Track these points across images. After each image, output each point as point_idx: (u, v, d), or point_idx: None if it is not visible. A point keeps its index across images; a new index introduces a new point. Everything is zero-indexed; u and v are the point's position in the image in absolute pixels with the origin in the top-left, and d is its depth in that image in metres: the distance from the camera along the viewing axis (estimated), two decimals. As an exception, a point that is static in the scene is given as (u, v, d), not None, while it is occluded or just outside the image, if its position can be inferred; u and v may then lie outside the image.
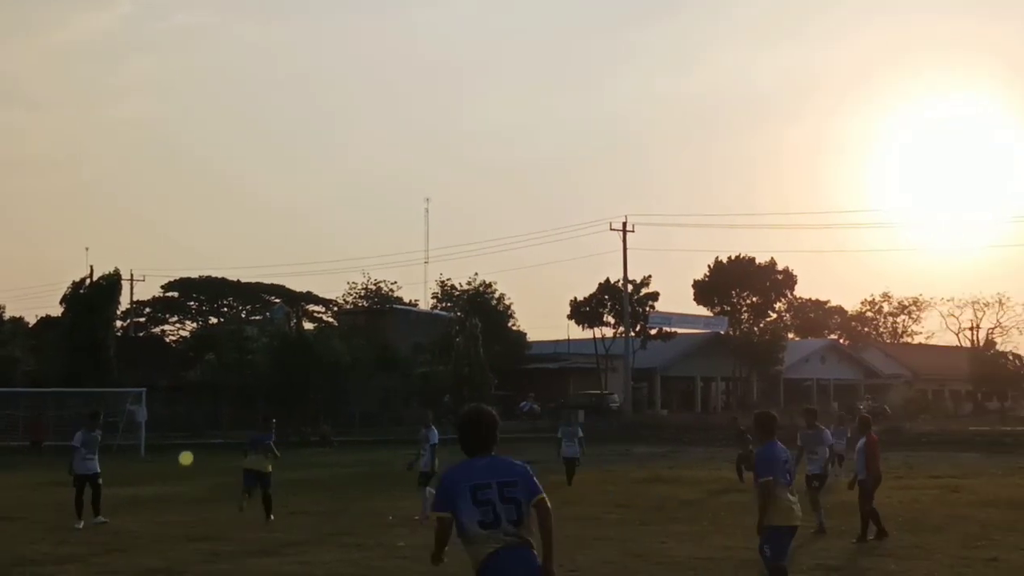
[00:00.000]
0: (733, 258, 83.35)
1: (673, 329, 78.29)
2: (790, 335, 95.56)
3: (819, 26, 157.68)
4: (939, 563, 14.33)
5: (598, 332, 75.39)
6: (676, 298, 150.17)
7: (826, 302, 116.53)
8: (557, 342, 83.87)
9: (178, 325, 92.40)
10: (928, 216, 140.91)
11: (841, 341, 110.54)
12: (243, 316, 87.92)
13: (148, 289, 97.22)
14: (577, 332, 78.55)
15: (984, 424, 61.29)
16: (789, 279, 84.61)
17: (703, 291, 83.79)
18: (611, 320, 75.07)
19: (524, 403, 70.28)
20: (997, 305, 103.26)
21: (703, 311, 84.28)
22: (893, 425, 51.53)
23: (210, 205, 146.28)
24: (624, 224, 69.27)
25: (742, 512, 14.41)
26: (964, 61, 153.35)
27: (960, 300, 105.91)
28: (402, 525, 18.75)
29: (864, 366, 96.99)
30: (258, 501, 19.45)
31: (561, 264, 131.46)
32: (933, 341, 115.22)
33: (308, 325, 79.91)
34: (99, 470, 19.39)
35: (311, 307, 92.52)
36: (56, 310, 61.62)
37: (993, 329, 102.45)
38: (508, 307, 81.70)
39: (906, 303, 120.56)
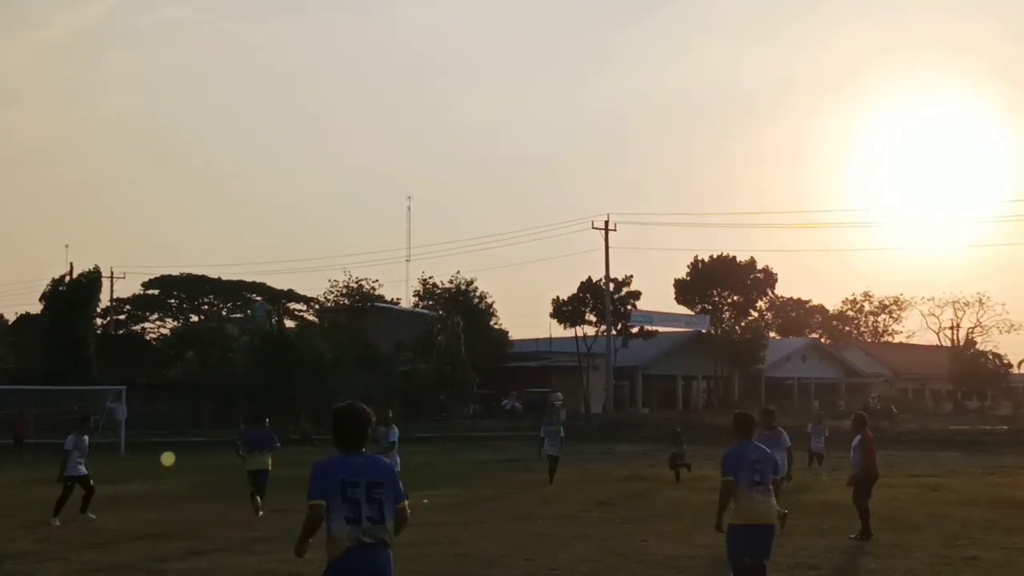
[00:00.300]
0: (714, 257, 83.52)
1: (654, 328, 78.41)
2: (771, 334, 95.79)
3: (800, 25, 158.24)
4: (919, 561, 14.38)
5: (580, 331, 75.46)
6: (658, 297, 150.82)
7: (807, 301, 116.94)
8: (539, 340, 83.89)
9: (159, 323, 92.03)
10: (909, 215, 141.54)
11: (822, 340, 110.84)
12: (224, 314, 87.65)
13: (128, 286, 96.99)
14: (559, 331, 78.61)
15: (964, 423, 61.58)
16: (769, 278, 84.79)
17: (684, 290, 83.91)
18: (593, 319, 75.10)
19: (506, 401, 70.35)
20: (977, 305, 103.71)
21: (684, 310, 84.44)
22: (873, 425, 51.63)
23: (191, 202, 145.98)
24: (606, 223, 69.30)
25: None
26: (946, 60, 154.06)
27: (940, 299, 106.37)
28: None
29: (845, 365, 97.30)
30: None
31: (543, 263, 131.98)
32: (914, 340, 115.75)
33: (289, 323, 79.77)
34: (88, 472, 19.40)
35: (292, 305, 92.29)
36: (36, 307, 61.42)
37: (973, 328, 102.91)
38: (490, 306, 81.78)
39: (887, 302, 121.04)
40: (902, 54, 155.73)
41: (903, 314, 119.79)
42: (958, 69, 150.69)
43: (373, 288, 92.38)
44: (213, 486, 23.05)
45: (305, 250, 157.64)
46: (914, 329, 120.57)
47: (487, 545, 16.00)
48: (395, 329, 70.65)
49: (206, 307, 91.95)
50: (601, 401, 71.27)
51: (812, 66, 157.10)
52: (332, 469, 7.02)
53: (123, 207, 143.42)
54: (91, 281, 58.38)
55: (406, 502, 7.09)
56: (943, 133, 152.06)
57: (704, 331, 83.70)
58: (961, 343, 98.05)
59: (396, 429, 20.48)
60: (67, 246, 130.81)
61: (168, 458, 22.99)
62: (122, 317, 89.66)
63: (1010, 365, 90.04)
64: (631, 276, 75.36)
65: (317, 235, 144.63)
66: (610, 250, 70.09)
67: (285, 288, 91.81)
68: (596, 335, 74.89)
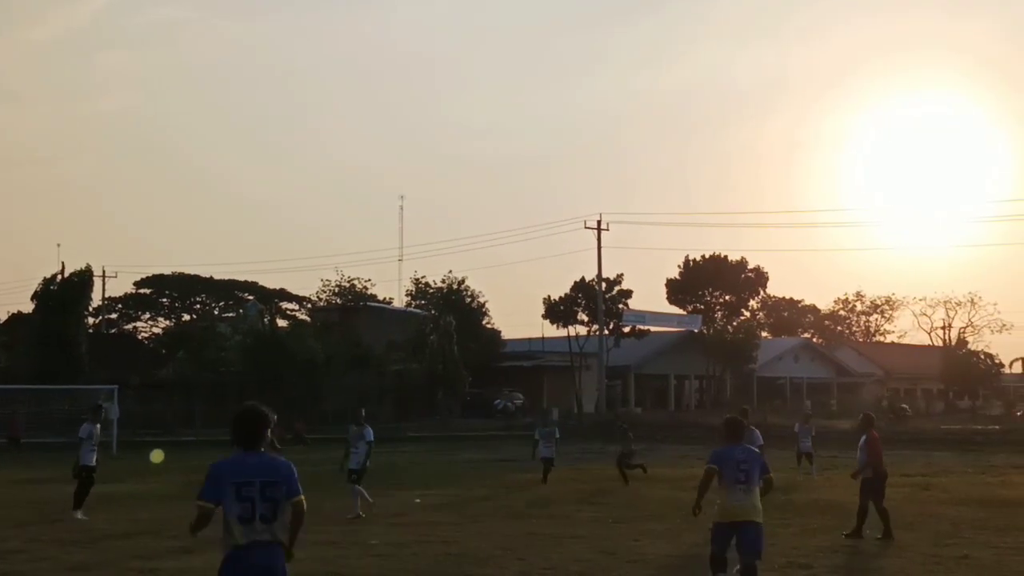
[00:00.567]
0: (706, 257, 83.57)
1: (647, 327, 78.44)
2: (763, 334, 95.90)
3: (794, 25, 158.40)
4: (910, 560, 14.41)
5: (572, 330, 75.45)
6: (650, 296, 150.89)
7: (799, 301, 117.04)
8: (531, 340, 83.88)
9: (151, 322, 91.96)
10: (901, 215, 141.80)
11: (814, 340, 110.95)
12: (216, 313, 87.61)
13: (120, 286, 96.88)
14: (551, 330, 78.65)
15: (955, 423, 61.69)
16: (761, 277, 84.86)
17: (676, 290, 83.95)
18: (585, 318, 75.12)
19: (498, 401, 70.35)
20: (969, 304, 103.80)
21: (677, 310, 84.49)
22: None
23: (184, 201, 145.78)
24: (599, 222, 69.30)
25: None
26: (940, 60, 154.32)
27: (932, 299, 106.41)
28: (376, 523, 18.72)
29: (837, 365, 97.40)
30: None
31: (536, 262, 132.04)
32: (905, 340, 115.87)
33: (281, 323, 79.72)
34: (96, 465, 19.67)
35: (284, 304, 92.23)
36: (27, 306, 61.29)
37: (965, 328, 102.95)
38: (482, 305, 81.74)
39: (879, 302, 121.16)
40: (895, 54, 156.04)
41: (895, 314, 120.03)
42: (951, 69, 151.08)
43: (365, 287, 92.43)
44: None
45: (297, 249, 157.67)
46: (906, 329, 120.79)
47: (480, 544, 16.01)
48: (387, 328, 70.59)
49: (198, 306, 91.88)
50: (593, 401, 71.29)
51: (805, 66, 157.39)
52: (226, 469, 7.27)
53: (115, 206, 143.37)
54: (83, 280, 58.28)
55: (302, 497, 7.28)
56: (936, 133, 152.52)
57: (696, 331, 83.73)
58: (953, 343, 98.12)
59: (371, 429, 20.41)
60: (59, 245, 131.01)
61: (157, 455, 23.00)
62: (114, 316, 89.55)
63: (1001, 365, 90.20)
64: (622, 275, 75.43)
65: (309, 234, 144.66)
66: (602, 250, 70.16)
67: (277, 287, 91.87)
68: (588, 334, 74.90)
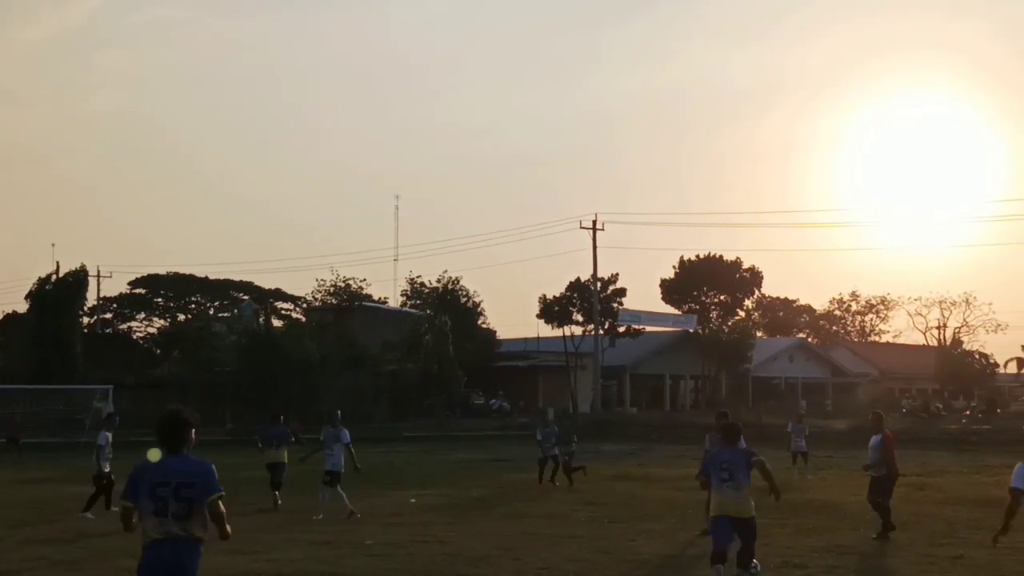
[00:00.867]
0: (700, 257, 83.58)
1: (642, 327, 78.46)
2: (759, 334, 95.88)
3: (789, 25, 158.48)
4: (906, 560, 14.43)
5: (567, 330, 75.47)
6: (646, 296, 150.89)
7: (794, 301, 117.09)
8: (527, 340, 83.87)
9: (145, 322, 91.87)
10: (896, 215, 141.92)
11: (809, 340, 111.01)
12: (211, 313, 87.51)
13: (115, 285, 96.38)
14: (546, 330, 78.65)
15: (950, 423, 61.73)
16: (756, 277, 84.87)
17: (671, 290, 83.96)
18: (580, 318, 75.14)
19: (494, 400, 70.37)
20: (964, 304, 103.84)
21: (672, 310, 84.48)
22: (860, 424, 51.77)
23: (179, 201, 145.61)
24: (594, 222, 69.32)
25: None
26: (935, 60, 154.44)
27: (927, 299, 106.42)
28: (371, 523, 18.72)
29: (832, 364, 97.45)
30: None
31: (531, 262, 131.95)
32: (900, 340, 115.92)
33: (277, 322, 79.65)
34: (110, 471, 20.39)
35: (280, 304, 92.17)
36: (22, 306, 61.24)
37: (960, 328, 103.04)
38: (478, 305, 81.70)
39: (874, 302, 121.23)
40: (891, 54, 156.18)
41: (890, 314, 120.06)
42: (947, 69, 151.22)
43: (361, 287, 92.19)
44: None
45: (292, 249, 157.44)
46: (901, 329, 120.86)
47: (475, 544, 16.01)
48: (382, 328, 70.55)
49: (193, 306, 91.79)
50: (589, 400, 71.31)
51: (800, 66, 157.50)
52: (145, 471, 7.73)
53: (110, 206, 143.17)
54: (78, 280, 58.26)
55: (219, 497, 7.71)
56: (931, 133, 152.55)
57: (691, 331, 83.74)
58: (948, 343, 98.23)
59: (347, 431, 20.42)
60: (54, 245, 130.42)
61: (154, 454, 23.04)
62: (109, 316, 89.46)
63: (996, 365, 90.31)
64: (617, 274, 75.47)
65: (304, 234, 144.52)
66: (598, 250, 70.21)
67: (272, 287, 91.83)
68: (583, 334, 74.93)
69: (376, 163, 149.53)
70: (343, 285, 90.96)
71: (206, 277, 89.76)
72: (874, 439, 17.60)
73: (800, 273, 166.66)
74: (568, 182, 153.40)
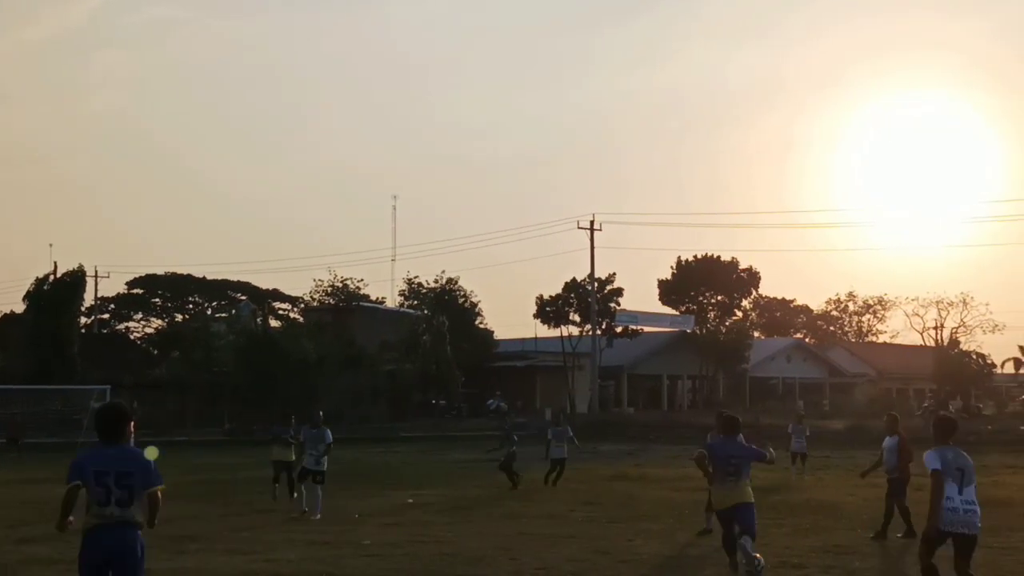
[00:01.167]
0: (698, 257, 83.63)
1: (640, 327, 78.48)
2: (756, 334, 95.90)
3: (787, 26, 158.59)
4: (902, 560, 14.46)
5: (564, 330, 75.50)
6: (643, 297, 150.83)
7: (792, 301, 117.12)
8: (524, 340, 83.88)
9: (143, 322, 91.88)
10: (893, 215, 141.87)
11: (807, 340, 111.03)
12: (209, 313, 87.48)
13: (113, 286, 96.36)
14: (544, 330, 78.63)
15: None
16: (753, 278, 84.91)
17: (668, 290, 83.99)
18: (577, 318, 75.18)
19: (491, 401, 70.37)
20: (961, 305, 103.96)
21: (669, 310, 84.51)
22: (857, 424, 51.87)
23: (177, 201, 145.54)
24: (592, 223, 69.35)
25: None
26: (931, 61, 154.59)
27: (924, 300, 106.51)
28: (369, 523, 18.72)
29: (829, 365, 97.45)
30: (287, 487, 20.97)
31: (529, 262, 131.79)
32: (898, 340, 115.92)
33: (274, 323, 79.60)
34: None
35: (277, 304, 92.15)
36: (20, 306, 61.20)
37: (957, 329, 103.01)
38: (475, 305, 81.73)
39: (871, 302, 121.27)
40: (888, 54, 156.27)
41: (887, 314, 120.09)
42: (944, 69, 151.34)
43: (358, 287, 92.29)
44: (197, 485, 23.03)
45: (290, 249, 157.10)
46: (898, 329, 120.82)
47: (472, 544, 16.02)
48: (380, 329, 70.57)
49: (191, 306, 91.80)
50: (586, 401, 71.31)
51: (798, 66, 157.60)
52: (86, 460, 8.25)
53: (108, 206, 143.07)
54: (75, 280, 58.21)
55: (158, 489, 8.24)
56: (928, 133, 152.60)
57: (689, 331, 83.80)
58: (945, 343, 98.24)
59: (329, 431, 20.44)
60: (51, 245, 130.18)
61: (151, 452, 23.12)
62: (106, 316, 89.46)
63: (994, 365, 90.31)
64: (614, 274, 75.45)
65: (302, 234, 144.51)
66: (595, 250, 70.20)
67: (270, 287, 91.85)
68: (581, 335, 74.94)
69: (374, 163, 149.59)
70: (341, 285, 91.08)
71: (204, 277, 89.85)
72: (889, 440, 17.67)
73: (797, 273, 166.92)
74: (566, 182, 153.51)
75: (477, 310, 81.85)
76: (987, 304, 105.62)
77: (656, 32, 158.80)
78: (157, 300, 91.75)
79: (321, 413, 21.42)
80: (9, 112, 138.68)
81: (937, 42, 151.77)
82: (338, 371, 60.02)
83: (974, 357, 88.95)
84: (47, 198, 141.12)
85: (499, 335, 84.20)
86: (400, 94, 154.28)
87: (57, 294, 56.56)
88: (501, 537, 16.83)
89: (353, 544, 16.08)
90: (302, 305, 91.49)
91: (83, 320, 71.05)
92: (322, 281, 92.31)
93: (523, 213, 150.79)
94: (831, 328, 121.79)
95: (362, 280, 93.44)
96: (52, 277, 57.82)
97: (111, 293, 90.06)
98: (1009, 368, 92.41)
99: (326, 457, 20.18)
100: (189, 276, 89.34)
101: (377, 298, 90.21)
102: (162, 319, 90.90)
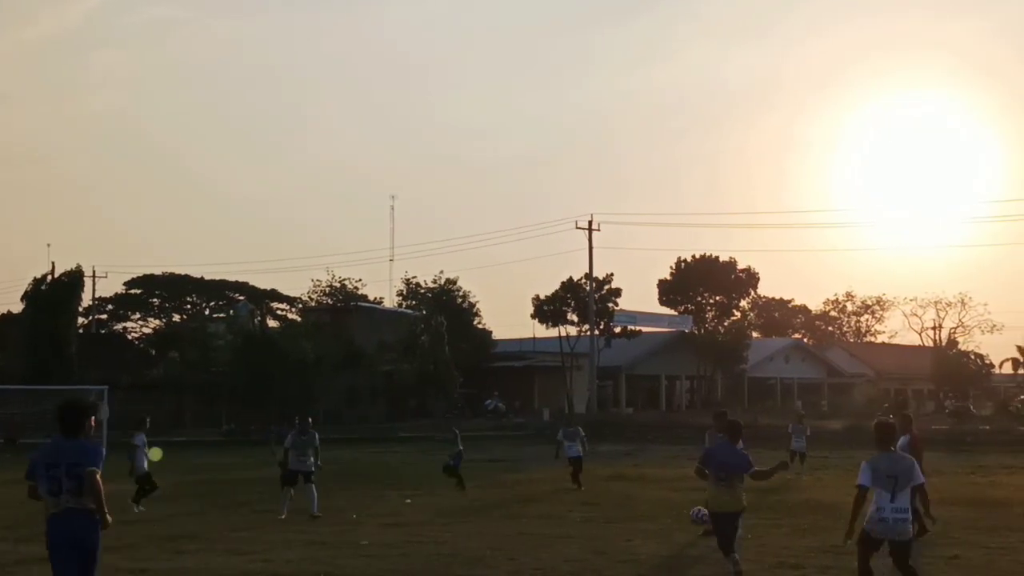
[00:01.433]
0: (697, 257, 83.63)
1: (638, 328, 78.48)
2: (754, 334, 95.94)
3: (786, 26, 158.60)
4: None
5: (563, 330, 75.50)
6: (642, 297, 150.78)
7: (790, 301, 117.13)
8: (522, 340, 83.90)
9: (141, 322, 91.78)
10: (892, 216, 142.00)
11: (805, 340, 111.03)
12: (207, 313, 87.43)
13: (111, 286, 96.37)
14: (543, 331, 78.67)
15: (945, 423, 61.78)
16: (752, 278, 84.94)
17: (667, 290, 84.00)
18: (575, 319, 75.20)
19: (489, 401, 70.38)
20: (959, 305, 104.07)
21: (668, 310, 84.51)
22: (855, 424, 51.85)
23: (175, 201, 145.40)
24: (590, 223, 69.36)
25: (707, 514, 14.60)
26: (930, 61, 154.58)
27: (923, 300, 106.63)
28: (366, 523, 18.72)
29: (828, 365, 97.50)
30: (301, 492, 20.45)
31: (527, 262, 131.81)
32: (896, 340, 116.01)
33: (272, 323, 79.56)
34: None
35: (275, 305, 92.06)
36: (17, 306, 61.15)
37: (955, 329, 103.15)
38: (473, 305, 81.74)
39: (869, 302, 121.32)
40: (887, 55, 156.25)
41: (885, 314, 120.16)
42: (943, 70, 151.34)
43: (356, 288, 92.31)
44: (196, 486, 23.04)
45: (288, 249, 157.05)
46: (896, 329, 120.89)
47: (470, 545, 16.01)
48: (378, 329, 70.57)
49: (189, 307, 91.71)
50: (584, 401, 71.32)
51: (797, 67, 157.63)
52: (37, 457, 8.98)
53: (106, 206, 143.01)
54: (73, 280, 58.13)
55: (93, 470, 8.80)
56: (927, 133, 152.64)
57: (687, 331, 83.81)
58: (943, 343, 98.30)
59: (316, 434, 20.49)
60: (49, 245, 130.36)
61: (156, 453, 23.10)
62: (104, 317, 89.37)
63: (992, 365, 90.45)
64: (612, 274, 75.42)
65: (300, 234, 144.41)
66: (594, 250, 70.20)
67: (268, 288, 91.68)
68: (579, 335, 74.94)
69: (372, 163, 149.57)
70: (339, 285, 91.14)
71: (202, 277, 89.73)
72: (902, 440, 17.65)
73: (796, 273, 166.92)
74: (565, 182, 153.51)
75: (475, 310, 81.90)
76: (985, 304, 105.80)
77: (655, 32, 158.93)
78: (155, 300, 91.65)
79: (311, 420, 21.36)
80: (7, 112, 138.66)
81: (937, 42, 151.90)
82: (336, 371, 60.02)
83: (972, 357, 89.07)
84: (45, 198, 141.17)
85: (497, 335, 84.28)
86: (399, 94, 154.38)
87: (55, 294, 56.49)
88: (499, 537, 16.82)
89: (351, 544, 16.07)
90: (300, 305, 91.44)
91: (81, 320, 70.97)
92: (320, 281, 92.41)
93: (521, 213, 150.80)
94: (829, 328, 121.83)
95: (360, 280, 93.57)
96: (50, 277, 57.74)
97: (109, 293, 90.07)
98: (1007, 368, 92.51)
99: (312, 456, 20.21)
100: (187, 276, 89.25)
101: (375, 298, 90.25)
102: (160, 319, 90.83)
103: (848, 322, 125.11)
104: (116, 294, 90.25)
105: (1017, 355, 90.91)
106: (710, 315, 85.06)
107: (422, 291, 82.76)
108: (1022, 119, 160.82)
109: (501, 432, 55.86)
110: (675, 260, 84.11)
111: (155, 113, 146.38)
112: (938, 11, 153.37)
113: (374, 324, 72.32)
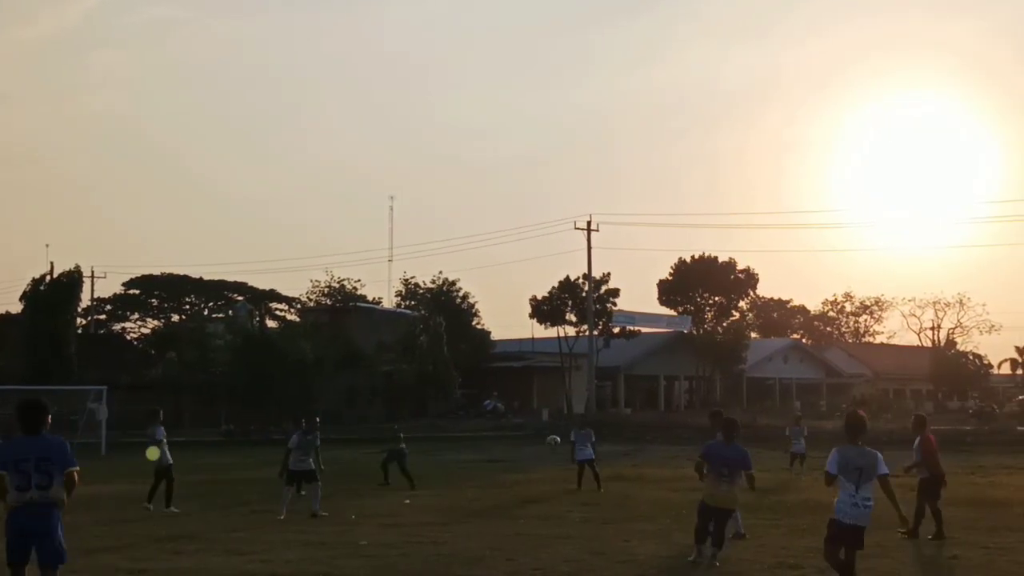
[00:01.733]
0: (696, 258, 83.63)
1: (637, 328, 78.47)
2: (753, 334, 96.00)
3: (784, 26, 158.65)
4: (900, 561, 14.44)
5: (561, 331, 75.50)
6: (641, 297, 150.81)
7: (788, 301, 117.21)
8: (521, 341, 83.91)
9: (140, 323, 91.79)
10: (890, 216, 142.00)
11: (804, 340, 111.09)
12: (206, 314, 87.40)
13: (109, 286, 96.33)
14: (541, 331, 78.67)
15: (944, 423, 61.79)
16: (751, 278, 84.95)
17: (667, 291, 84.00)
18: (573, 319, 75.19)
19: (488, 401, 70.37)
20: (958, 305, 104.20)
21: (667, 311, 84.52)
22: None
23: (173, 201, 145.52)
24: (588, 223, 69.33)
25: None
26: (930, 61, 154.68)
27: (921, 300, 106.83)
28: (365, 524, 18.70)
29: (826, 365, 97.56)
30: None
31: (526, 263, 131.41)
32: (894, 341, 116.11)
33: (271, 323, 79.56)
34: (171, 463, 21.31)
35: (274, 305, 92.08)
36: (16, 307, 61.16)
37: (953, 329, 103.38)
38: (472, 306, 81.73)
39: (868, 303, 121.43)
40: (886, 55, 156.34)
41: (884, 315, 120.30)
42: (942, 70, 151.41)
43: (355, 288, 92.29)
44: (195, 486, 23.01)
45: (287, 250, 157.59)
46: (895, 330, 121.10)
47: (469, 545, 16.00)
48: (377, 329, 70.55)
49: (187, 307, 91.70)
50: (583, 401, 71.32)
51: (797, 67, 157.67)
52: (7, 450, 9.35)
53: (105, 206, 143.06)
54: (72, 281, 58.15)
55: (74, 470, 9.23)
56: (926, 134, 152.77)
57: (686, 331, 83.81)
58: (942, 344, 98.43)
59: (319, 435, 20.54)
60: (48, 245, 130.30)
61: (152, 452, 23.13)
62: (103, 317, 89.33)
63: (990, 365, 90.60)
64: (609, 273, 75.34)
65: (299, 235, 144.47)
66: (593, 251, 70.19)
67: (267, 288, 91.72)
68: (577, 335, 74.91)
69: (370, 163, 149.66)
70: (338, 286, 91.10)
71: (200, 278, 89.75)
72: (916, 441, 17.88)
73: (794, 274, 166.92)
74: (564, 182, 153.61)
75: (474, 311, 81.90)
76: (984, 305, 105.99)
77: (655, 32, 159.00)
78: (154, 301, 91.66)
79: (317, 420, 21.38)
80: (6, 112, 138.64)
81: (937, 42, 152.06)
82: (335, 371, 60.01)
83: (971, 358, 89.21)
84: (44, 198, 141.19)
85: (496, 336, 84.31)
86: (399, 94, 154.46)
87: (54, 294, 56.52)
88: (498, 538, 16.81)
89: (350, 545, 16.05)
90: (299, 306, 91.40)
91: (80, 320, 70.94)
92: (319, 282, 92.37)
93: (521, 213, 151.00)
94: (828, 329, 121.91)
95: (359, 281, 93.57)
96: (49, 277, 57.75)
97: (108, 293, 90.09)
98: (1006, 369, 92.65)
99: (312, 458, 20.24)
100: (186, 277, 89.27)
101: (374, 299, 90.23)
102: (159, 320, 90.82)
103: (847, 322, 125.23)
104: (115, 294, 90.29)
105: (1015, 355, 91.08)
106: (709, 315, 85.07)
107: (421, 291, 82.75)
108: (1022, 119, 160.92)
109: (500, 432, 55.88)
110: (674, 260, 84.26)
111: (155, 113, 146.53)
112: (938, 11, 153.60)
113: (373, 324, 72.31)
